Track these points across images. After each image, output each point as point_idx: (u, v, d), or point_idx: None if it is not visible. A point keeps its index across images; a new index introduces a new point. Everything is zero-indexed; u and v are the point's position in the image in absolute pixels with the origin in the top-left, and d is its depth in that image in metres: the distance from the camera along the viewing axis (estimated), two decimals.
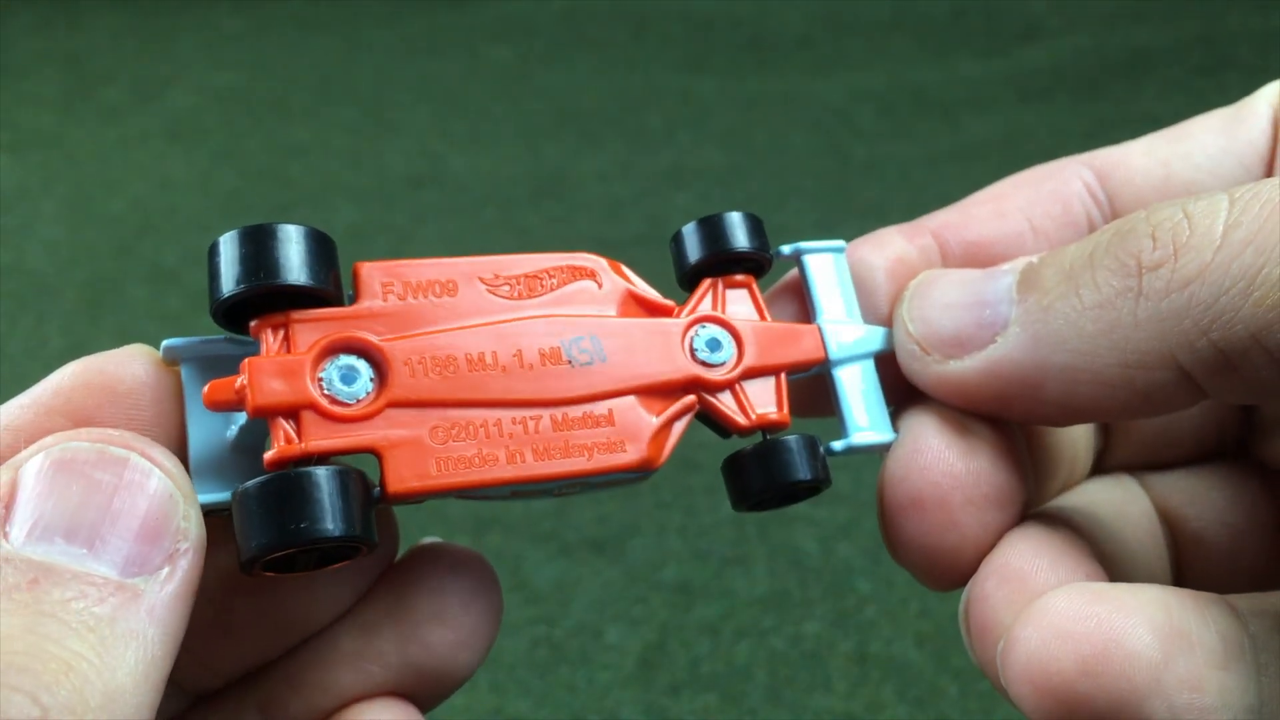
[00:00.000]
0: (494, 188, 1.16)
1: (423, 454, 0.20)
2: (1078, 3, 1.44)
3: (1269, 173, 0.25)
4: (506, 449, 0.21)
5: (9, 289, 1.03)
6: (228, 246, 0.20)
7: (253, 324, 0.20)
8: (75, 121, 1.27)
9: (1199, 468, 0.27)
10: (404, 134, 1.25)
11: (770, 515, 0.79)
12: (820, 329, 0.24)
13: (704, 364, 0.23)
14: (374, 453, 0.20)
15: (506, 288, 0.22)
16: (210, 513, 0.19)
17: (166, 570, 0.17)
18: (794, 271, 0.26)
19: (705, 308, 0.24)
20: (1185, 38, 1.36)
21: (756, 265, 0.25)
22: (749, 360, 0.23)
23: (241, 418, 0.21)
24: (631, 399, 0.22)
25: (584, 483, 0.22)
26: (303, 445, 0.19)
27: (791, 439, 0.23)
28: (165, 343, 0.21)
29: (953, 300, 0.23)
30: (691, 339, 0.23)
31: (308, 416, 0.19)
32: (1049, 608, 0.19)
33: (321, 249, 0.21)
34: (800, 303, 0.26)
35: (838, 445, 0.24)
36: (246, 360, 0.20)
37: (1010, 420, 0.23)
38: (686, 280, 0.25)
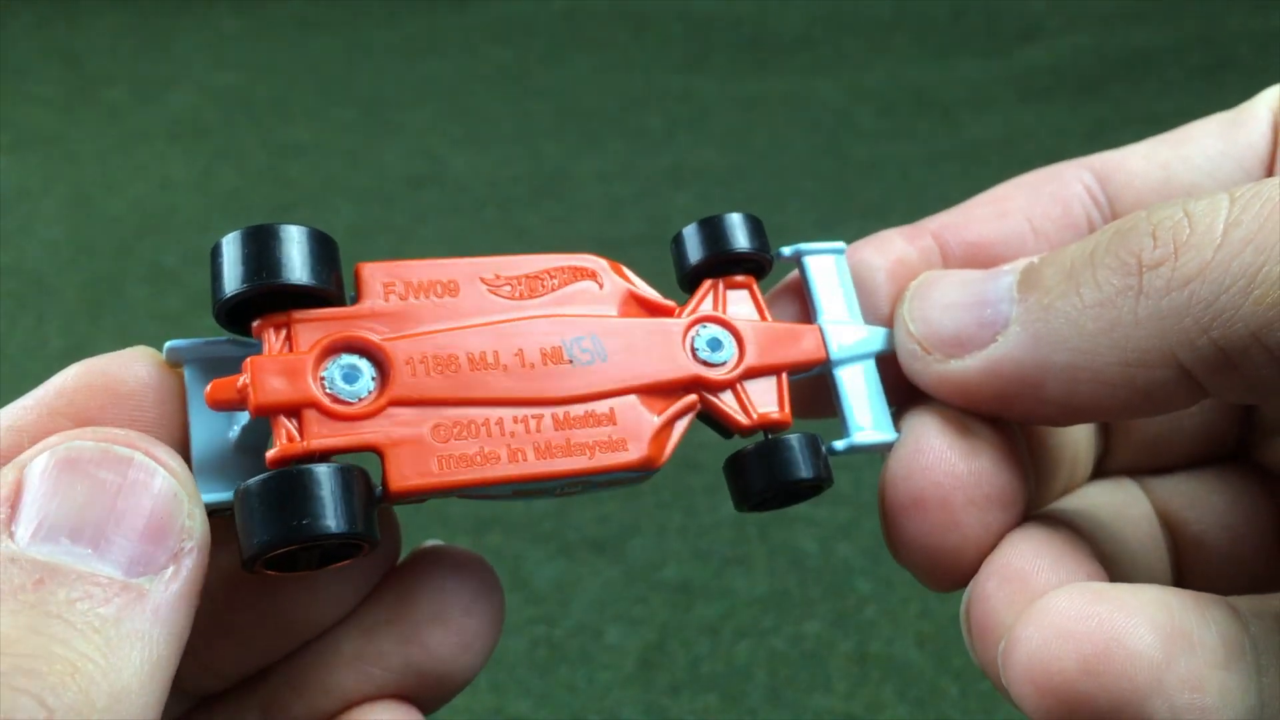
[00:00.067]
0: (494, 188, 1.16)
1: (424, 452, 0.20)
2: (1078, 3, 1.44)
3: (1269, 175, 0.25)
4: (508, 447, 0.21)
5: (9, 289, 1.03)
6: (230, 247, 0.20)
7: (255, 324, 0.20)
8: (75, 121, 1.27)
9: (1199, 471, 0.27)
10: (404, 134, 1.25)
11: (770, 515, 0.79)
12: (821, 329, 0.25)
13: (705, 363, 0.23)
14: (376, 451, 0.20)
15: (508, 288, 0.22)
16: (213, 513, 0.19)
17: (171, 569, 0.17)
18: (795, 273, 0.26)
19: (706, 308, 0.24)
20: (1185, 38, 1.36)
21: (757, 266, 0.25)
22: (750, 360, 0.23)
23: (244, 418, 0.21)
24: (633, 398, 0.22)
25: (586, 482, 0.22)
26: (305, 443, 0.19)
27: (793, 438, 0.23)
28: (168, 344, 0.21)
29: (953, 300, 0.23)
30: (692, 339, 0.23)
31: (310, 415, 0.19)
32: (1050, 607, 0.19)
33: (323, 249, 0.21)
34: (801, 304, 0.26)
35: (839, 445, 0.24)
36: (249, 359, 0.20)
37: (1011, 420, 0.23)
38: (687, 281, 0.25)
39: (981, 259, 0.25)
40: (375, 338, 0.21)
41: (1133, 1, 1.43)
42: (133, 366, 0.20)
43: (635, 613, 0.74)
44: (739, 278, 0.25)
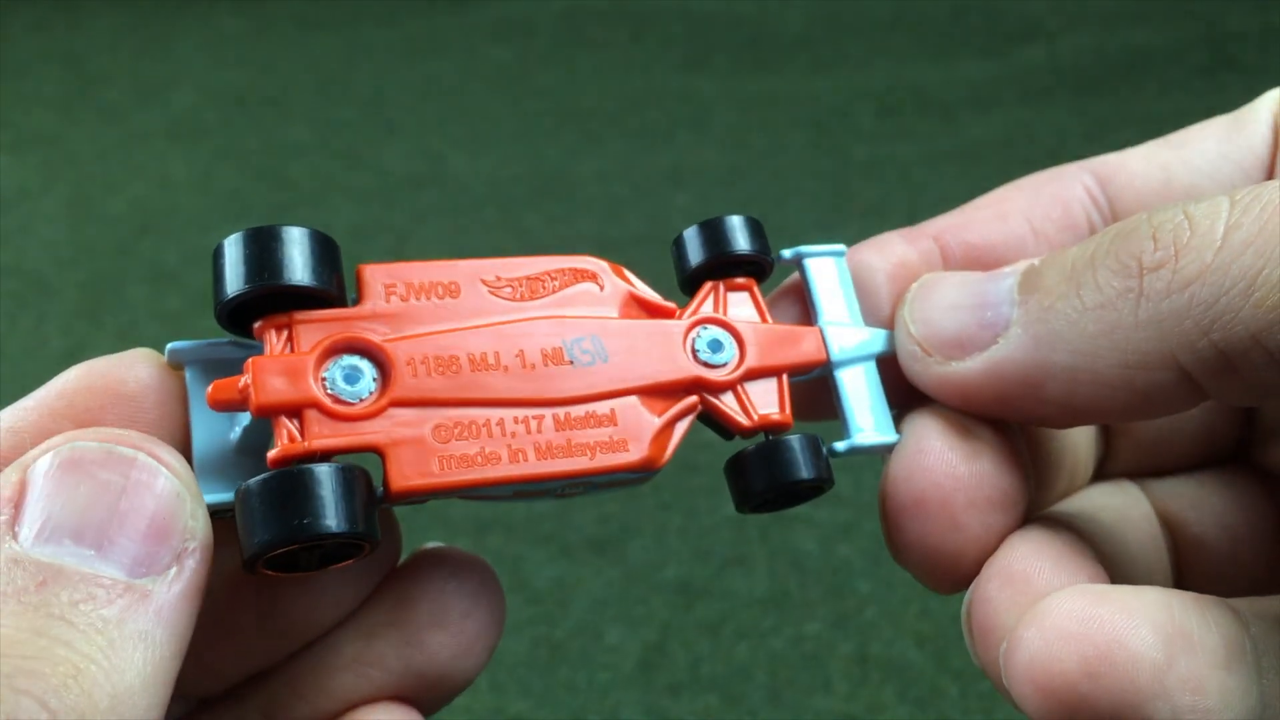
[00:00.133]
0: (494, 188, 1.16)
1: (425, 452, 0.20)
2: (1078, 3, 1.44)
3: (1269, 178, 0.25)
4: (509, 448, 0.21)
5: (9, 289, 1.03)
6: (232, 248, 0.20)
7: (256, 325, 0.20)
8: (75, 121, 1.27)
9: (1199, 473, 0.27)
10: (404, 134, 1.25)
11: (771, 517, 0.79)
12: (821, 331, 0.25)
13: (706, 365, 0.23)
14: (377, 451, 0.20)
15: (508, 289, 0.22)
16: (214, 514, 0.19)
17: (174, 570, 0.17)
18: (795, 275, 0.26)
19: (707, 309, 0.24)
20: (1185, 38, 1.36)
21: (757, 268, 0.25)
22: (751, 361, 0.23)
23: (245, 420, 0.21)
24: (634, 399, 0.22)
25: (587, 482, 0.22)
26: (306, 444, 0.19)
27: (794, 438, 0.23)
28: (170, 345, 0.21)
29: (954, 302, 0.23)
30: (693, 340, 0.23)
31: (311, 415, 0.20)
32: (1052, 609, 0.19)
33: (325, 250, 0.21)
34: (802, 306, 0.26)
35: (840, 446, 0.24)
36: (250, 359, 0.20)
37: (1011, 421, 0.23)
38: (688, 283, 0.25)
39: (982, 261, 0.25)
40: (376, 338, 0.21)
41: (1133, 1, 1.44)
42: (133, 368, 0.20)
43: (635, 613, 0.74)
44: (739, 280, 0.25)
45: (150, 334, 0.96)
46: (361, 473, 0.19)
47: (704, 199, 1.12)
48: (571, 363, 0.22)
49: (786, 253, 0.26)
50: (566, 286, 0.23)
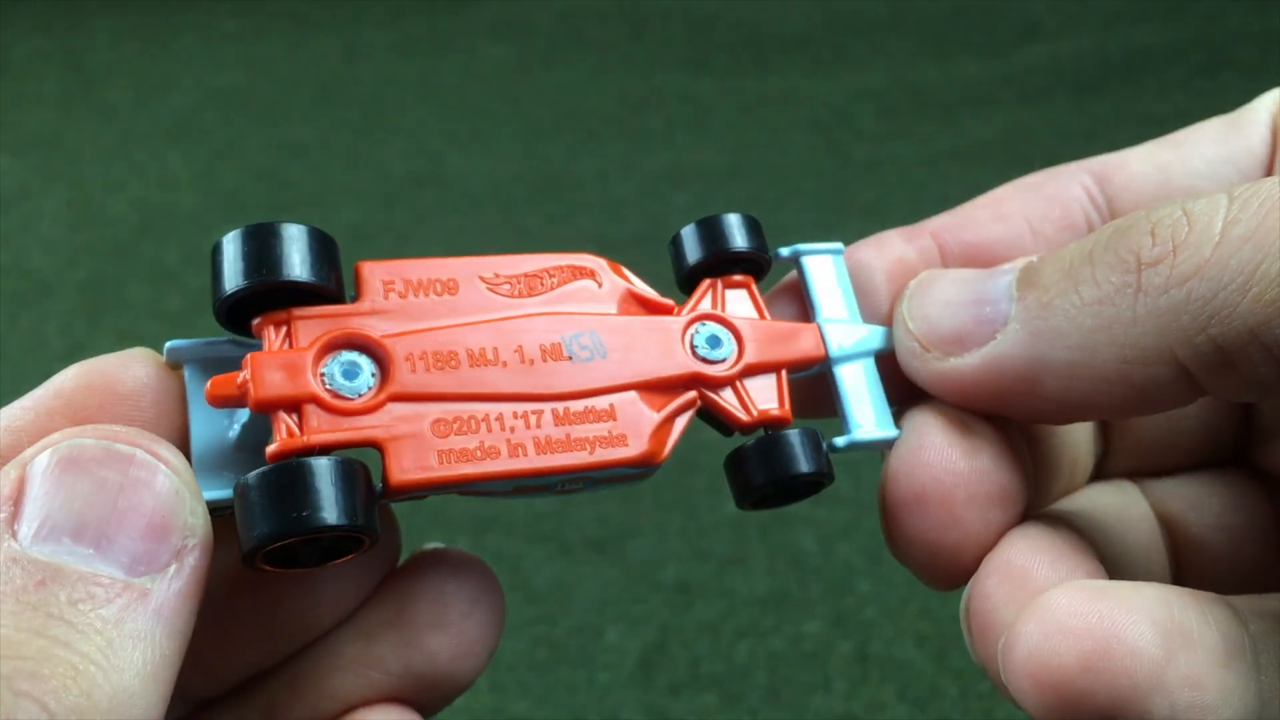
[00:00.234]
0: (494, 188, 1.16)
1: (424, 447, 0.20)
2: (1078, 3, 1.44)
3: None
4: (508, 442, 0.21)
5: (9, 289, 1.03)
6: (230, 245, 0.20)
7: (255, 321, 0.20)
8: (75, 121, 1.27)
9: (1198, 474, 0.27)
10: (404, 134, 1.25)
11: (770, 516, 0.79)
12: (820, 327, 0.25)
13: (705, 360, 0.23)
14: (376, 446, 0.20)
15: (507, 286, 0.22)
16: (213, 513, 0.19)
17: (174, 568, 0.17)
18: (793, 273, 0.26)
19: (705, 306, 0.24)
20: (1185, 38, 1.36)
21: (755, 265, 0.25)
22: (749, 357, 0.23)
23: (244, 418, 0.21)
24: (633, 394, 0.22)
25: (586, 478, 0.22)
26: (305, 438, 0.19)
27: (793, 432, 0.23)
28: (169, 344, 0.21)
29: (953, 298, 0.23)
30: (692, 336, 0.23)
31: (310, 410, 0.20)
32: (1051, 604, 0.19)
33: (323, 247, 0.21)
34: (800, 304, 0.26)
35: (840, 441, 0.24)
36: (249, 355, 0.20)
37: (1010, 418, 0.23)
38: (685, 281, 0.25)
39: (980, 260, 0.25)
40: (375, 334, 0.21)
41: (1133, 1, 1.43)
42: (131, 367, 0.20)
43: (635, 613, 0.74)
44: (737, 277, 0.25)
45: (150, 334, 0.96)
46: (361, 467, 0.19)
47: (704, 199, 1.12)
48: (570, 358, 0.22)
49: (784, 251, 0.26)
50: (565, 283, 0.23)
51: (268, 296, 0.20)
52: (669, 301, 0.24)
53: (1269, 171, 0.25)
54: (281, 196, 1.15)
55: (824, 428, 0.24)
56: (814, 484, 0.23)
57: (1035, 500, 0.25)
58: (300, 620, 0.23)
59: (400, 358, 0.21)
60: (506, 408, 0.21)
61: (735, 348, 0.24)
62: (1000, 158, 1.16)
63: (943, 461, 0.22)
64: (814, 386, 0.25)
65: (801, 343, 0.24)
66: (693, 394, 0.23)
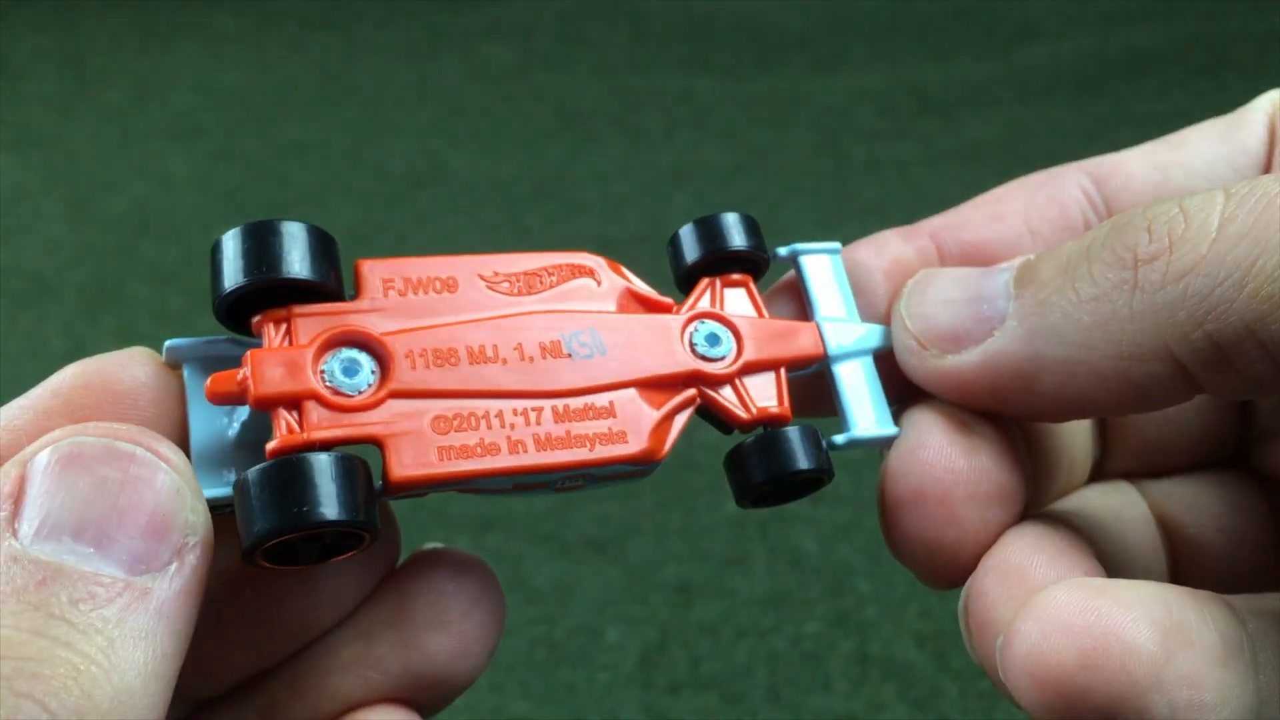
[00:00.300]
0: (494, 188, 1.16)
1: (425, 443, 0.20)
2: (1078, 3, 1.44)
3: None
4: (508, 439, 0.21)
5: (9, 289, 1.03)
6: (230, 243, 0.20)
7: (255, 319, 0.20)
8: (75, 121, 1.28)
9: (1196, 475, 0.27)
10: (404, 134, 1.25)
11: (770, 515, 0.79)
12: (819, 326, 0.25)
13: (704, 358, 0.23)
14: (376, 442, 0.20)
15: (506, 284, 0.22)
16: (212, 511, 0.19)
17: (175, 566, 0.17)
18: (791, 273, 0.26)
19: (704, 305, 0.24)
20: (1185, 38, 1.36)
21: (753, 264, 0.25)
22: (748, 355, 0.23)
23: (243, 416, 0.21)
24: (632, 392, 0.22)
25: (586, 475, 0.22)
26: (305, 435, 0.19)
27: (792, 429, 0.23)
28: (168, 343, 0.21)
29: (950, 296, 0.23)
30: (691, 334, 0.23)
31: (310, 407, 0.20)
32: (1049, 601, 0.19)
33: (323, 245, 0.21)
34: (798, 303, 0.26)
35: (840, 439, 0.24)
36: (249, 352, 0.20)
37: (1007, 415, 0.23)
38: (684, 281, 0.25)
39: (978, 259, 0.25)
40: (375, 332, 0.21)
41: (1133, 1, 1.44)
42: (130, 366, 0.20)
43: (635, 613, 0.74)
44: (735, 276, 0.25)
45: (150, 334, 0.96)
46: (361, 463, 0.19)
47: (704, 199, 1.12)
48: (570, 356, 0.22)
49: (782, 250, 0.26)
50: (564, 282, 0.23)
51: (267, 294, 0.20)
52: (668, 300, 0.24)
53: (1266, 170, 0.25)
54: (281, 196, 1.15)
55: (823, 428, 0.24)
56: (814, 481, 0.23)
57: (1033, 500, 0.25)
58: (300, 620, 0.23)
59: (400, 355, 0.21)
60: (506, 404, 0.21)
61: (734, 346, 0.24)
62: (1000, 158, 1.16)
63: (942, 460, 0.22)
64: (813, 387, 0.25)
65: (800, 341, 0.24)
66: (692, 391, 0.23)
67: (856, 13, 1.45)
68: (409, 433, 0.20)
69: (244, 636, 0.23)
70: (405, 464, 0.20)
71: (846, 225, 1.07)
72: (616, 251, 0.24)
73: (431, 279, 0.22)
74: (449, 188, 1.16)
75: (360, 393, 0.20)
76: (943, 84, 1.31)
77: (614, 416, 0.22)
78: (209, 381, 0.20)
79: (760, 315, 0.25)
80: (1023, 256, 0.23)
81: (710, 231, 0.25)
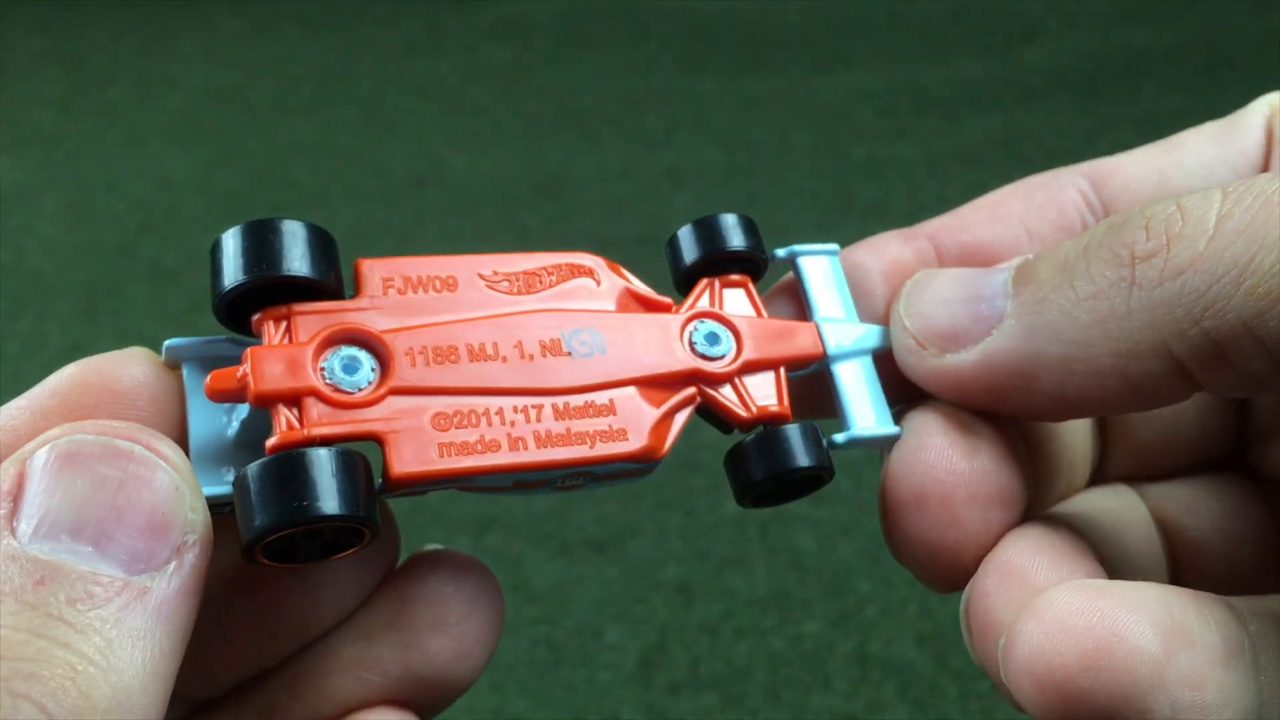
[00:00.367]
0: (494, 188, 1.16)
1: (425, 440, 0.20)
2: (1078, 3, 1.45)
3: None
4: (508, 436, 0.21)
5: (9, 289, 1.03)
6: (230, 241, 0.20)
7: (255, 317, 0.20)
8: (75, 121, 1.28)
9: (1195, 478, 0.27)
10: (404, 134, 1.25)
11: (770, 515, 0.79)
12: (818, 325, 0.25)
13: (703, 357, 0.23)
14: (376, 439, 0.20)
15: (505, 284, 0.22)
16: (211, 510, 0.19)
17: (174, 565, 0.17)
18: (790, 274, 0.26)
19: (703, 304, 0.24)
20: (1185, 38, 1.36)
21: (752, 265, 0.25)
22: (748, 354, 0.23)
23: (242, 415, 0.21)
24: (632, 390, 0.22)
25: (587, 473, 0.22)
26: (305, 431, 0.19)
27: (792, 427, 0.23)
28: (167, 342, 0.21)
29: (949, 295, 0.23)
30: (690, 333, 0.23)
31: (310, 404, 0.19)
32: (1052, 603, 0.19)
33: (323, 243, 0.21)
34: (797, 304, 0.26)
35: (840, 437, 0.24)
36: (249, 349, 0.20)
37: (1006, 414, 0.23)
38: (683, 281, 0.25)
39: (977, 261, 0.25)
40: (375, 329, 0.21)
41: (1133, 1, 1.44)
42: (128, 366, 0.20)
43: (635, 613, 0.74)
44: (734, 276, 0.25)
45: (150, 334, 0.96)
46: (361, 459, 0.19)
47: (704, 199, 1.12)
48: (570, 354, 0.22)
49: (780, 252, 0.26)
50: (563, 281, 0.23)
51: (267, 292, 0.20)
52: (667, 300, 0.24)
53: (1263, 172, 0.25)
54: (281, 196, 1.15)
55: (824, 429, 0.24)
56: (814, 479, 0.23)
57: (1034, 503, 0.25)
58: (298, 621, 0.23)
59: (400, 352, 0.21)
60: (507, 402, 0.21)
61: (734, 345, 0.24)
62: (1000, 158, 1.16)
63: (943, 461, 0.22)
64: (813, 389, 0.25)
65: (799, 340, 0.24)
66: (692, 390, 0.23)
67: (856, 13, 1.45)
68: (409, 429, 0.20)
69: (243, 637, 0.23)
70: (405, 460, 0.20)
71: (846, 225, 1.07)
72: (616, 251, 0.24)
73: (431, 278, 0.22)
74: (449, 188, 1.16)
75: (360, 390, 0.20)
76: (943, 84, 1.31)
77: (614, 414, 0.22)
78: (209, 378, 0.20)
79: (759, 316, 0.25)
80: (1021, 257, 0.23)
81: (708, 232, 0.25)
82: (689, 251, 0.25)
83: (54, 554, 0.16)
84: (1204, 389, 0.20)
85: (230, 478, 0.20)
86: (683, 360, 0.23)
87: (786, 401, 0.24)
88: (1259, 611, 0.20)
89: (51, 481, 0.17)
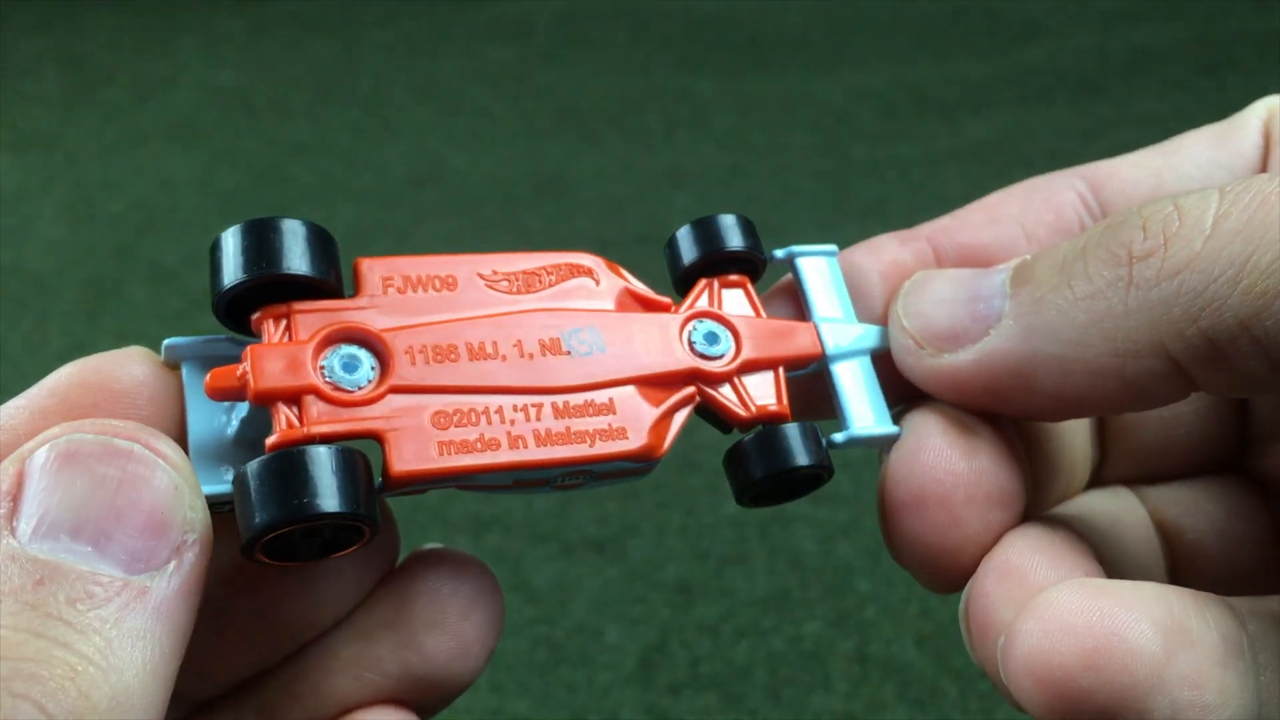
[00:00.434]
0: (494, 187, 1.16)
1: (425, 438, 0.20)
2: (1078, 3, 1.45)
3: None
4: (508, 434, 0.21)
5: (9, 289, 1.03)
6: (230, 240, 0.20)
7: (254, 316, 0.20)
8: (75, 121, 1.28)
9: (1194, 480, 0.27)
10: (404, 134, 1.25)
11: (770, 515, 0.79)
12: (816, 326, 0.25)
13: (702, 356, 0.23)
14: (376, 437, 0.20)
15: (505, 283, 0.22)
16: (211, 509, 0.19)
17: (173, 564, 0.17)
18: (789, 275, 0.26)
19: (702, 304, 0.24)
20: (1185, 38, 1.36)
21: (751, 265, 0.25)
22: (747, 354, 0.24)
23: (242, 414, 0.21)
24: (631, 389, 0.22)
25: (586, 472, 0.22)
26: (305, 429, 0.19)
27: (791, 426, 0.23)
28: (167, 342, 0.21)
29: (947, 295, 0.23)
30: (689, 333, 0.23)
31: (309, 402, 0.20)
32: (1051, 602, 0.19)
33: (322, 242, 0.21)
34: (795, 305, 0.26)
35: (839, 437, 0.24)
36: (249, 347, 0.20)
37: (1005, 414, 0.23)
38: (681, 282, 0.25)
39: (975, 262, 0.25)
40: (375, 328, 0.21)
41: (1133, 1, 1.44)
42: (127, 365, 0.20)
43: (635, 613, 0.74)
44: (733, 277, 0.25)
45: (150, 334, 0.96)
46: (361, 457, 0.19)
47: (704, 199, 1.12)
48: (569, 353, 0.22)
49: (779, 252, 0.26)
50: (562, 281, 0.23)
51: (267, 291, 0.20)
52: (666, 300, 0.24)
53: None
54: (281, 196, 1.15)
55: (823, 430, 0.24)
56: (814, 478, 0.23)
57: (1033, 505, 0.25)
58: (298, 620, 0.23)
59: (400, 351, 0.21)
60: (506, 400, 0.21)
61: (733, 344, 0.24)
62: (1000, 158, 1.16)
63: (942, 462, 0.22)
64: (812, 390, 0.25)
65: (798, 340, 0.24)
66: (691, 389, 0.23)
67: (856, 13, 1.45)
68: (409, 428, 0.20)
69: (242, 637, 0.22)
70: (405, 459, 0.20)
71: (846, 226, 1.07)
72: (616, 251, 0.24)
73: (431, 277, 0.22)
74: (449, 188, 1.16)
75: (360, 388, 0.20)
76: (943, 84, 1.31)
77: (614, 413, 0.22)
78: (209, 377, 0.20)
79: (758, 316, 0.25)
80: (1019, 258, 0.23)
81: (707, 232, 0.25)
82: (688, 252, 0.25)
83: (53, 554, 0.16)
84: (1201, 389, 0.20)
85: (230, 477, 0.20)
86: (682, 360, 0.23)
87: (785, 401, 0.24)
88: (1258, 611, 0.20)
89: (51, 481, 0.17)
